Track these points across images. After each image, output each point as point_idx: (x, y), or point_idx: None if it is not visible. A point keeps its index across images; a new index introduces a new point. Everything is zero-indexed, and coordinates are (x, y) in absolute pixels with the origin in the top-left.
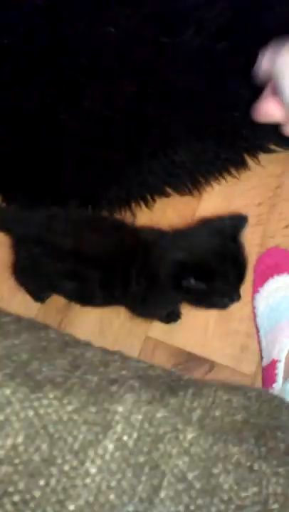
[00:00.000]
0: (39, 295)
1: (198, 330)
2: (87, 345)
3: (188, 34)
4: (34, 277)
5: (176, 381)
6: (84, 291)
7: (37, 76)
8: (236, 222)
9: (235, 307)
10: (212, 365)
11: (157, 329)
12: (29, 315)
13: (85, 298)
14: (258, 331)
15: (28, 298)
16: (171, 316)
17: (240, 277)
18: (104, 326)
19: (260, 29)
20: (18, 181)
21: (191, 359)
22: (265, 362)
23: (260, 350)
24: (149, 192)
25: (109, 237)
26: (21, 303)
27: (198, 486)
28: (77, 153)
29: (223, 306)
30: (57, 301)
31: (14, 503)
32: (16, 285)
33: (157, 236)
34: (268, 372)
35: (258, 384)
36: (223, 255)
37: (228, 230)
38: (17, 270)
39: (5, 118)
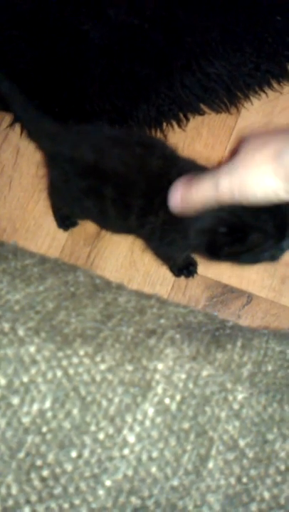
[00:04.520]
0: (64, 222)
1: None
2: (120, 288)
3: None
4: (65, 197)
5: (221, 329)
6: (100, 210)
7: None
8: None
9: None
10: (250, 297)
11: None
12: (56, 246)
13: (102, 219)
14: None
15: (54, 228)
16: (185, 270)
17: (281, 229)
18: (136, 258)
19: None
20: (39, 100)
21: (228, 291)
22: None
23: None
24: (182, 110)
25: (132, 155)
26: (48, 234)
27: (250, 454)
28: (102, 68)
29: (269, 260)
30: (85, 231)
31: (43, 479)
32: (42, 215)
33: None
34: None
35: None
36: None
37: None
38: (51, 190)
39: (22, 29)
